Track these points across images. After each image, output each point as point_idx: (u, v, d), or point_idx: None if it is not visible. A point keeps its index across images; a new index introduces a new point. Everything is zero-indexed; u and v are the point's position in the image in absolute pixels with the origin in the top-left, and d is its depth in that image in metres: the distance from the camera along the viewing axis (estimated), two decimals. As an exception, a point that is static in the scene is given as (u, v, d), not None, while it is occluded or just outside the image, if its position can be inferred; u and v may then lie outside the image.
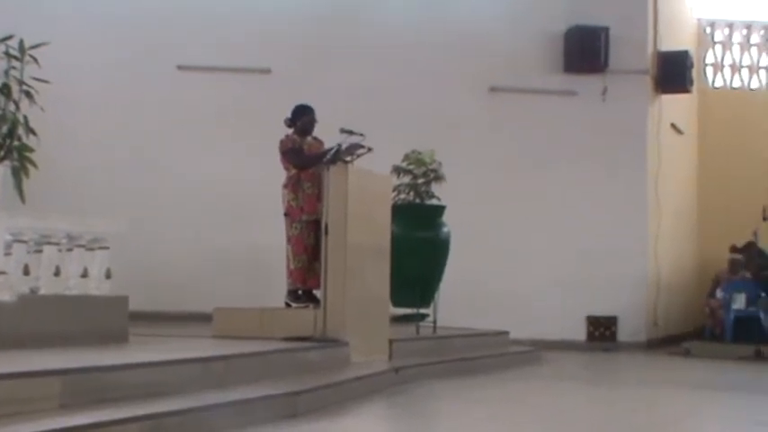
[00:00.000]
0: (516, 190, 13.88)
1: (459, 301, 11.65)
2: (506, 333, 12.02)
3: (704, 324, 14.67)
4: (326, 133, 9.27)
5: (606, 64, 14.18)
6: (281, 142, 9.36)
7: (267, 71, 13.64)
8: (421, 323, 10.47)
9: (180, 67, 13.57)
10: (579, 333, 13.98)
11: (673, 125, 15.69)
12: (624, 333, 14.11)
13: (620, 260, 13.89)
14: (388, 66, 13.77)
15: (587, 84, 14.21)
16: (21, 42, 7.00)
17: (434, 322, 10.56)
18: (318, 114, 9.50)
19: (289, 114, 9.49)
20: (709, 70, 17.68)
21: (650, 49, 14.75)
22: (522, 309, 13.35)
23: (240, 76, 13.59)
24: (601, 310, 14.00)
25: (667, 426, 7.30)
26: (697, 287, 16.15)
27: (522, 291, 13.59)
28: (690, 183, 17.05)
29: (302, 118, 9.46)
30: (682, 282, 15.92)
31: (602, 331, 14.04)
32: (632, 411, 7.92)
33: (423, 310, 10.45)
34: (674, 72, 14.95)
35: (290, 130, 9.45)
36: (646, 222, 14.31)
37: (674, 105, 15.53)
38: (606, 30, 14.18)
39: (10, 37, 6.97)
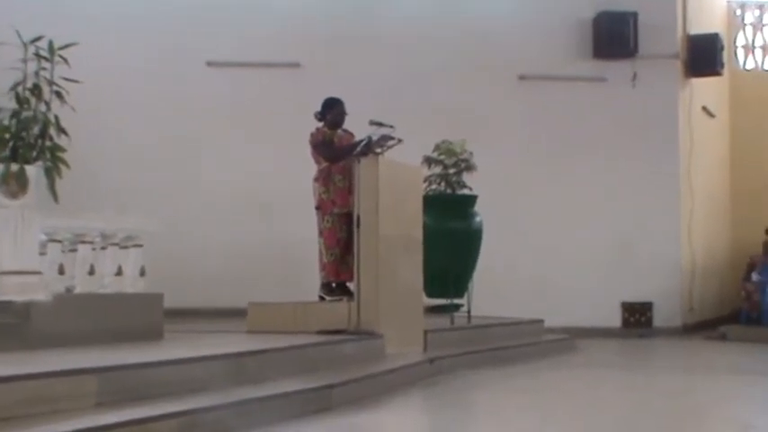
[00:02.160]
0: (548, 177, 13.85)
1: (493, 290, 11.62)
2: (541, 321, 11.99)
3: (740, 308, 14.56)
4: (356, 125, 9.27)
5: (636, 49, 14.11)
6: (312, 135, 9.37)
7: (296, 65, 13.66)
8: (455, 313, 10.46)
9: (209, 64, 13.62)
10: (614, 320, 13.94)
11: (704, 108, 15.57)
12: (659, 318, 14.05)
13: (653, 245, 13.85)
14: (417, 56, 13.76)
15: (617, 69, 14.14)
16: (50, 43, 7.00)
17: (468, 312, 10.55)
18: (348, 107, 9.50)
19: (318, 107, 9.50)
20: (741, 52, 17.51)
21: (680, 33, 14.65)
22: (556, 296, 13.33)
23: (269, 70, 13.61)
24: (635, 296, 13.94)
25: (705, 411, 7.27)
26: (732, 271, 16.03)
27: (555, 278, 13.57)
28: (722, 166, 16.91)
29: (332, 111, 9.46)
30: (716, 266, 15.82)
31: (637, 317, 13.99)
32: (669, 397, 7.87)
33: (457, 301, 10.44)
34: (704, 55, 14.83)
35: (321, 124, 9.45)
36: (679, 207, 14.23)
37: (705, 88, 15.41)
38: (635, 15, 14.12)
39: (39, 38, 6.99)
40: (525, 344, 10.94)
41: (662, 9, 14.44)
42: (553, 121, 13.99)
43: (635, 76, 14.06)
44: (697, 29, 14.96)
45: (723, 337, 13.40)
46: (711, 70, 14.99)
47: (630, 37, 14.09)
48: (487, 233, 10.77)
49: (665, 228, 14.07)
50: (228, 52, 13.60)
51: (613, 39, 14.08)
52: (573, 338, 12.01)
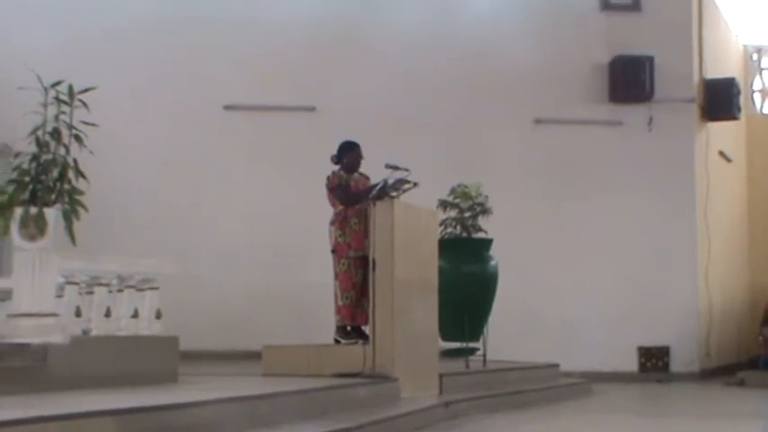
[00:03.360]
0: (564, 221, 13.84)
1: (509, 333, 11.61)
2: (557, 365, 11.94)
3: (758, 353, 14.46)
4: (372, 169, 9.31)
5: (652, 93, 14.16)
6: (328, 179, 9.39)
7: (312, 109, 13.74)
8: (471, 357, 10.43)
9: (226, 107, 13.71)
10: (631, 364, 13.87)
11: (721, 153, 15.59)
12: (677, 363, 13.97)
13: (670, 290, 13.80)
14: (432, 99, 13.84)
15: (633, 113, 14.19)
16: (70, 87, 7.10)
17: (484, 356, 10.51)
18: (363, 150, 9.54)
19: (335, 151, 9.54)
20: (757, 96, 17.55)
21: (696, 78, 14.70)
22: (572, 340, 13.28)
23: (285, 114, 13.71)
24: (652, 340, 13.88)
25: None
26: (750, 316, 15.95)
27: (571, 322, 13.52)
28: (739, 210, 16.88)
29: (348, 154, 9.49)
30: (734, 311, 15.74)
31: (654, 362, 13.92)
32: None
33: (472, 344, 10.41)
34: (720, 99, 14.88)
35: (337, 167, 9.49)
36: (695, 251, 14.19)
37: (722, 133, 15.43)
38: (651, 59, 14.18)
39: (59, 82, 7.08)
40: (541, 388, 10.89)
41: (678, 54, 14.51)
42: (569, 164, 14.02)
43: (651, 120, 14.11)
44: (713, 73, 15.01)
45: (741, 383, 13.29)
46: (728, 114, 15.03)
47: (646, 81, 14.15)
48: (503, 276, 10.75)
49: (682, 271, 14.03)
50: (245, 96, 13.70)
51: (629, 83, 14.15)
52: (589, 383, 11.94)
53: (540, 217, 13.76)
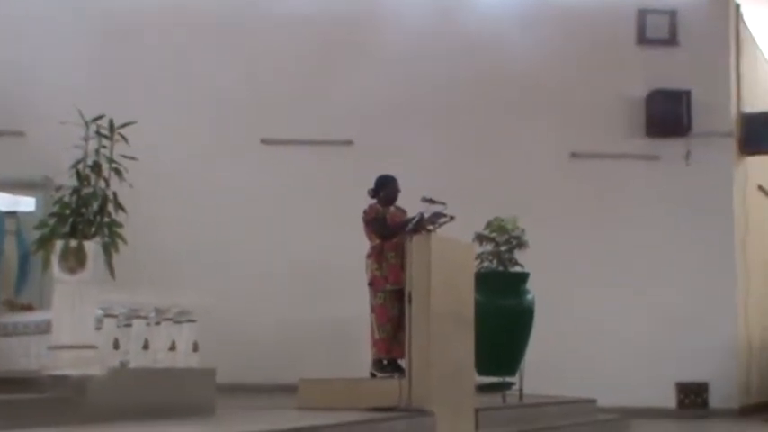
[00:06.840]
0: (600, 255, 13.79)
1: (546, 368, 11.51)
2: (594, 401, 11.84)
3: (800, 389, 14.31)
4: (408, 202, 9.33)
5: (689, 127, 14.10)
6: (365, 212, 9.43)
7: (349, 143, 13.81)
8: (507, 391, 10.38)
9: (263, 141, 13.81)
10: (669, 400, 13.74)
11: (760, 187, 15.47)
12: (716, 400, 13.82)
13: (708, 325, 13.67)
14: (468, 133, 13.87)
15: (670, 148, 14.13)
16: (110, 122, 7.19)
17: (521, 390, 10.46)
18: (401, 184, 9.57)
19: (372, 185, 9.58)
20: (796, 131, 17.39)
21: (734, 111, 14.63)
22: (609, 375, 13.18)
23: (323, 148, 13.78)
24: (691, 376, 13.75)
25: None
26: (790, 352, 15.77)
27: (608, 357, 13.43)
28: (779, 244, 16.72)
29: (385, 188, 9.53)
30: (774, 346, 15.57)
31: (692, 398, 13.78)
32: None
33: (508, 378, 10.37)
34: (759, 133, 14.78)
35: (374, 201, 9.52)
36: (734, 286, 14.08)
37: (761, 167, 15.35)
38: (688, 93, 14.13)
39: (100, 117, 7.17)
40: (578, 423, 10.81)
41: (715, 87, 14.45)
42: (605, 198, 13.99)
43: (688, 154, 14.04)
44: (752, 107, 14.93)
45: (781, 420, 13.16)
46: (766, 148, 14.91)
47: (684, 115, 14.09)
48: (540, 310, 10.71)
49: (721, 307, 13.90)
50: (282, 130, 13.79)
51: (666, 117, 14.10)
52: (626, 419, 11.84)
53: (577, 251, 13.72)
